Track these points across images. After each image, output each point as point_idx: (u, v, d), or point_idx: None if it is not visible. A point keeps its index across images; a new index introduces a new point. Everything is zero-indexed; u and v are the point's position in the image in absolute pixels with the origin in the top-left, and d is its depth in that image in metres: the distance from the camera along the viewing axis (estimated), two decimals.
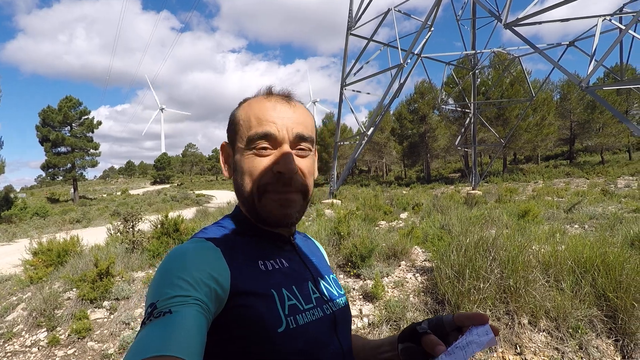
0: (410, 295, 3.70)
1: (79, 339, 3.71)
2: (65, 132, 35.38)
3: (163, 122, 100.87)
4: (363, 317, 3.53)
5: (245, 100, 0.74)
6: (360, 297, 3.83)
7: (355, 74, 16.55)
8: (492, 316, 3.07)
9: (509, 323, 3.03)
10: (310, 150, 0.72)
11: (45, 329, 3.94)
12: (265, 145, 0.66)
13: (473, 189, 19.16)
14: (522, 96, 27.03)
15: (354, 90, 17.20)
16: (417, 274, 4.16)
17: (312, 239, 0.94)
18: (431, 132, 39.18)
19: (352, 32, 16.07)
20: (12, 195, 23.29)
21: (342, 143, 18.12)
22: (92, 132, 37.00)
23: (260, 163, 0.66)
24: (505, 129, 30.45)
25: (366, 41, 15.75)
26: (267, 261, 0.68)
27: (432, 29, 14.94)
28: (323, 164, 46.34)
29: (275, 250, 0.72)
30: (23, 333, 3.97)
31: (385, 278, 4.15)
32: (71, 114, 35.08)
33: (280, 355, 0.59)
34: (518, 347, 2.86)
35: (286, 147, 0.67)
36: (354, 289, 3.97)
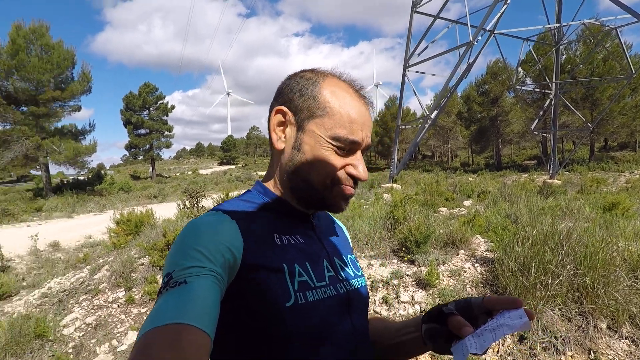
0: (467, 286, 3.49)
1: (150, 300, 4.12)
2: (144, 115, 39.02)
3: (229, 106, 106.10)
4: (415, 304, 3.42)
5: (322, 75, 0.71)
6: (414, 283, 3.70)
7: (419, 54, 15.75)
8: (562, 316, 2.76)
9: (582, 325, 2.71)
10: None
11: (123, 288, 4.43)
12: (347, 147, 0.68)
13: (551, 178, 17.40)
14: (618, 74, 23.56)
15: (417, 72, 16.41)
16: (477, 264, 3.89)
17: (335, 219, 0.92)
18: (504, 116, 36.16)
19: (417, 10, 15.23)
20: (102, 172, 26.45)
21: (403, 127, 17.53)
22: (167, 115, 40.32)
23: (337, 161, 0.67)
24: (593, 111, 27.01)
25: (432, 19, 14.83)
26: (283, 235, 0.68)
27: (508, 1, 13.54)
28: (385, 148, 45.43)
29: (292, 226, 0.71)
30: (106, 291, 4.51)
31: (441, 266, 3.95)
32: (149, 98, 38.50)
33: (288, 329, 0.59)
34: (592, 353, 2.55)
35: (360, 154, 0.70)
36: (407, 274, 3.85)
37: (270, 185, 0.74)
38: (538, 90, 20.21)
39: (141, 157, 40.78)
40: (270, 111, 0.72)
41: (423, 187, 10.45)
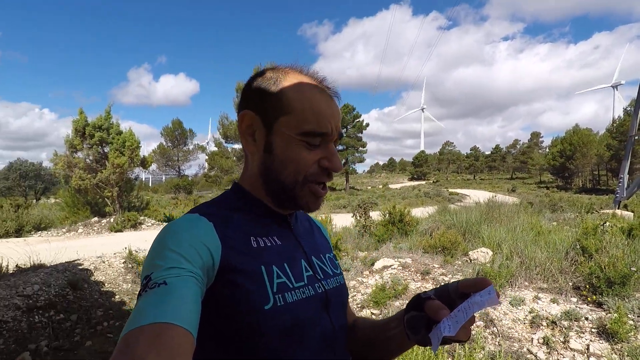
0: None
1: None
2: (342, 133, 44.12)
3: (423, 121, 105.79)
4: (590, 357, 2.72)
5: (283, 72, 0.70)
6: (593, 330, 2.93)
7: None
8: None
9: None
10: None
11: None
12: (317, 141, 0.67)
13: None
14: None
15: None
16: None
17: (313, 219, 0.91)
18: None
19: None
20: None
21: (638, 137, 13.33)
22: (361, 132, 44.05)
23: (308, 155, 0.67)
24: None
25: None
26: (260, 238, 0.68)
27: None
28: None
29: (269, 227, 0.71)
30: None
31: None
32: (347, 118, 43.15)
33: (267, 332, 0.60)
34: None
35: (332, 146, 0.70)
36: (586, 318, 3.08)
37: (247, 186, 0.73)
38: None
39: None
40: (239, 116, 0.72)
41: None
